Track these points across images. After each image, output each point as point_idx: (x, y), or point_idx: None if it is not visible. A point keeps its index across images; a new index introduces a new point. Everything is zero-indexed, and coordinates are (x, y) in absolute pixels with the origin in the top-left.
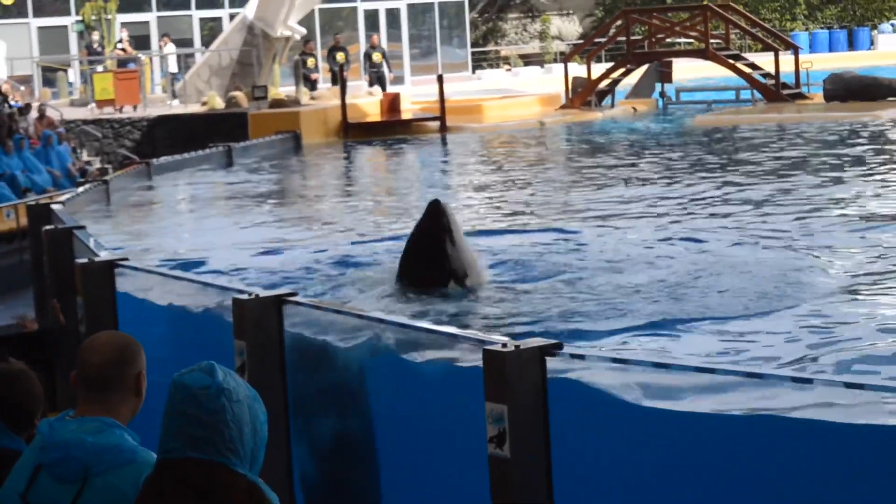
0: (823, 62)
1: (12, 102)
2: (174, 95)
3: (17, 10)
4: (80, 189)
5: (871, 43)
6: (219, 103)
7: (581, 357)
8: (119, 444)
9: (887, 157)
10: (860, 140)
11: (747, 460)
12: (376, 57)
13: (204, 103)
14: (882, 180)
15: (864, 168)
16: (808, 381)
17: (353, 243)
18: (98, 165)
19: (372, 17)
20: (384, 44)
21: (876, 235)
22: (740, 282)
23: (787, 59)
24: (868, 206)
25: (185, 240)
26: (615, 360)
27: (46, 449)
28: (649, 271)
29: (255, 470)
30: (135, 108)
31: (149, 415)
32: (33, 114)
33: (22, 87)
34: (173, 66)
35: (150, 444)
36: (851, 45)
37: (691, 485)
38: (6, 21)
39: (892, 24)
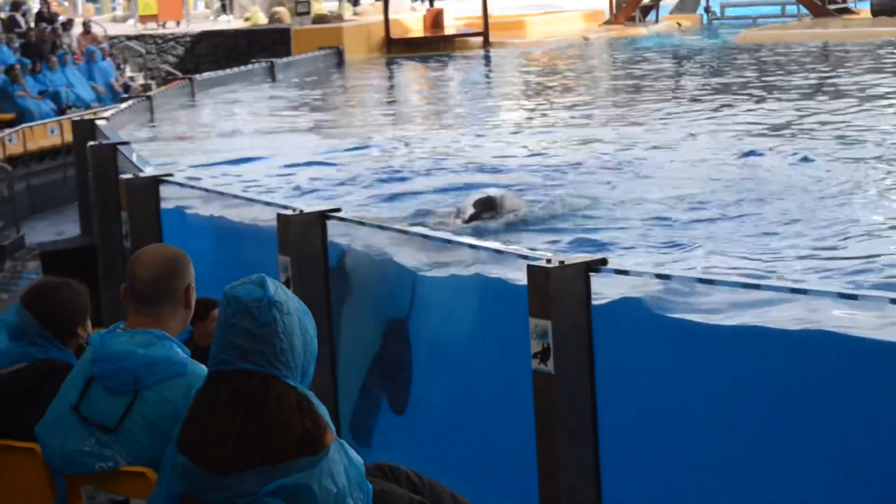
0: None
1: (59, 18)
2: (224, 10)
3: None
4: (124, 105)
5: None
6: (262, 19)
7: (625, 272)
8: (169, 356)
9: None
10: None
11: (791, 375)
12: None
13: (247, 19)
14: None
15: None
16: (853, 297)
17: (392, 159)
18: (141, 81)
19: None
20: None
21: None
22: (780, 203)
23: None
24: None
25: (228, 156)
26: (659, 276)
27: (98, 361)
28: (688, 189)
29: (306, 382)
30: (178, 23)
31: None
32: (77, 29)
33: (66, 3)
34: None
35: None
36: None
37: (733, 400)
38: None
39: None
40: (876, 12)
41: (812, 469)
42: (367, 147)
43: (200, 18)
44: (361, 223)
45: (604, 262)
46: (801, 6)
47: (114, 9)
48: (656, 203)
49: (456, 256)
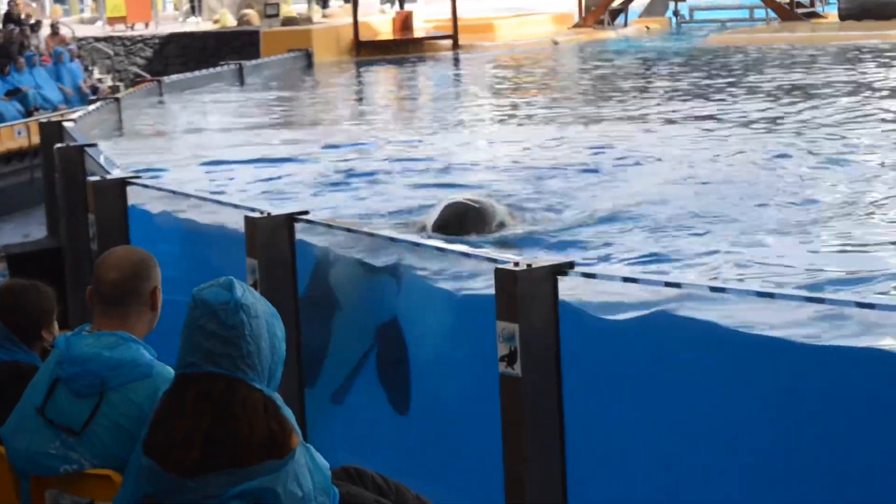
0: None
1: (25, 20)
2: (193, 12)
3: None
4: (92, 107)
5: None
6: (230, 21)
7: (592, 276)
8: (135, 358)
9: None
10: (869, 62)
11: (754, 379)
12: None
13: (216, 21)
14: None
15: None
16: (820, 300)
17: (362, 162)
18: (109, 83)
19: None
20: None
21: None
22: (747, 205)
23: None
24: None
25: (196, 157)
26: (626, 279)
27: (63, 363)
28: (665, 192)
29: (273, 386)
30: (146, 25)
31: (161, 332)
32: (45, 31)
33: (33, 4)
34: None
35: (164, 360)
36: None
37: (701, 403)
38: None
39: None
40: (843, 16)
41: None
42: (337, 149)
43: (169, 20)
44: (329, 226)
45: (570, 265)
46: (769, 10)
47: (82, 10)
48: (632, 206)
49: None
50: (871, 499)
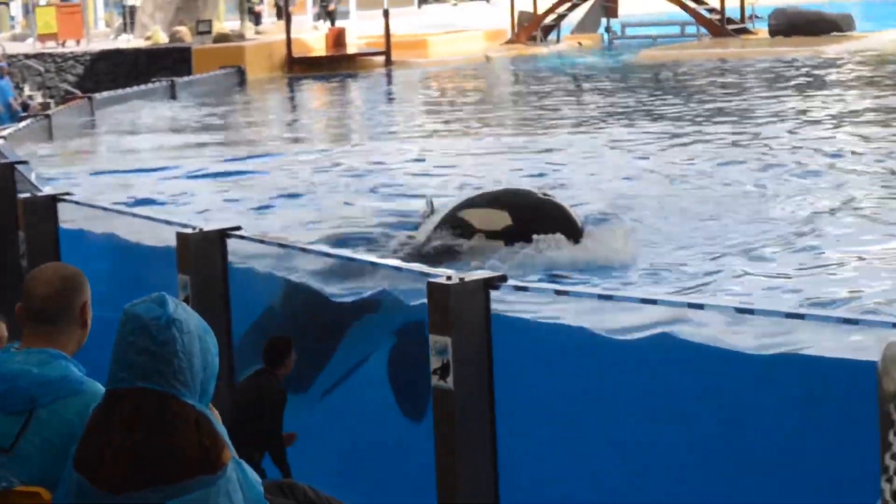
0: None
1: None
2: (125, 29)
3: None
4: (22, 124)
5: None
6: (162, 38)
7: (525, 289)
8: (65, 374)
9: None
10: (798, 76)
11: (687, 387)
12: None
13: (148, 38)
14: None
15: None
16: (750, 311)
17: (293, 177)
18: (40, 100)
19: None
20: None
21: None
22: (683, 221)
23: None
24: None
25: (127, 174)
26: (558, 293)
27: None
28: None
29: (205, 401)
30: (77, 42)
31: (91, 349)
32: None
33: None
34: None
35: (95, 377)
36: None
37: (635, 411)
38: None
39: None
40: (773, 32)
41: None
42: (267, 160)
43: (101, 37)
44: (261, 241)
45: (503, 278)
46: (700, 27)
47: (13, 27)
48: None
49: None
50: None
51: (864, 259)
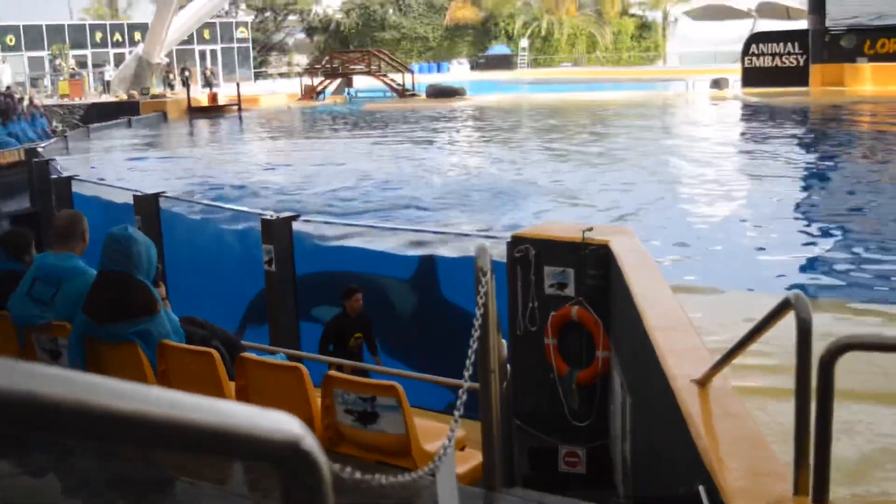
0: (425, 79)
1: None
2: (106, 90)
3: (15, 46)
4: (52, 140)
5: (448, 70)
6: (124, 97)
7: (310, 221)
8: (76, 265)
9: (461, 127)
10: (443, 119)
11: None
12: (209, 73)
13: (117, 96)
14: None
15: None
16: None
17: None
18: (60, 129)
19: (202, 53)
20: (210, 66)
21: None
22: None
23: (408, 77)
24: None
25: (109, 164)
26: (326, 223)
27: (38, 269)
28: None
29: (150, 280)
30: (80, 98)
31: (88, 254)
32: (26, 101)
33: (20, 88)
34: (109, 74)
35: (91, 265)
36: (439, 70)
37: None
38: (10, 53)
39: (457, 62)
40: (429, 95)
41: None
42: (183, 160)
43: (93, 96)
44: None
45: (297, 216)
46: (393, 93)
47: (46, 91)
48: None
49: None
50: None
51: None
